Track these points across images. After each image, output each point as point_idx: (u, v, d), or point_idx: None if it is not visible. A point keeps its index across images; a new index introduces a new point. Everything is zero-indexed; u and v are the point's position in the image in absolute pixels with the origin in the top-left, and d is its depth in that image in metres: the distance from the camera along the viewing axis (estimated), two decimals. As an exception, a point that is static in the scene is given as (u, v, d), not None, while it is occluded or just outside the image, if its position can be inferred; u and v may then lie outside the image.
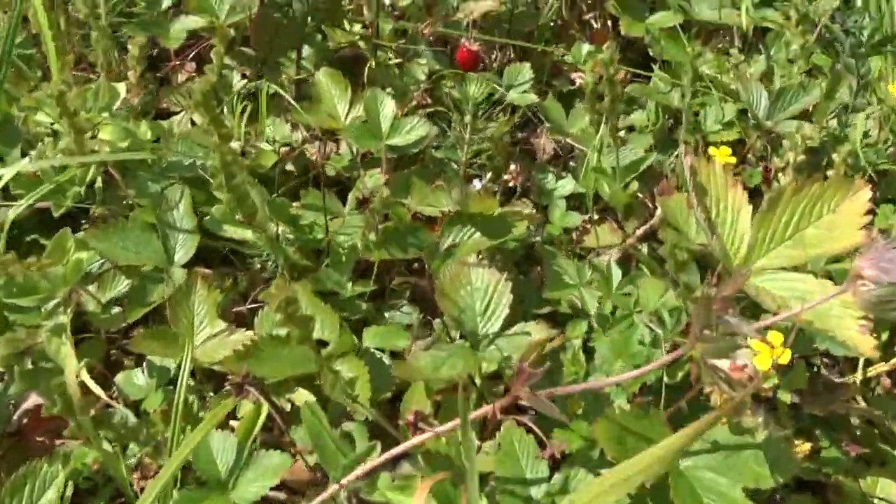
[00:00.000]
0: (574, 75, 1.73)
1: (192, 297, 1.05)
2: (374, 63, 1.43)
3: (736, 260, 0.87)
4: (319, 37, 1.49)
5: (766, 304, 0.86)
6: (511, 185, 1.30)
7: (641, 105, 1.62)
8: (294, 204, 1.23)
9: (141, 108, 1.36)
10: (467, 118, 1.29)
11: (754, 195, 1.60)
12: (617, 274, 1.10)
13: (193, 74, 1.59)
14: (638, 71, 1.62)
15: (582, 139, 1.42)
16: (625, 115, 1.64)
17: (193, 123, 1.50)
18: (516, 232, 1.12)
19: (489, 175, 1.23)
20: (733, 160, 1.28)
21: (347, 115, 1.30)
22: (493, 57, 1.75)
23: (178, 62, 1.57)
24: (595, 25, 1.87)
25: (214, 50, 1.36)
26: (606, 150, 1.35)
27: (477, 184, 1.22)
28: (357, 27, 1.63)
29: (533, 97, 1.46)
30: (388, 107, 1.24)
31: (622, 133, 1.64)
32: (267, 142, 1.39)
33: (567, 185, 1.40)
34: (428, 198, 1.15)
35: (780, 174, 1.32)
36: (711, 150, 1.29)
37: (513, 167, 1.29)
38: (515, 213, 1.14)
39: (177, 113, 1.50)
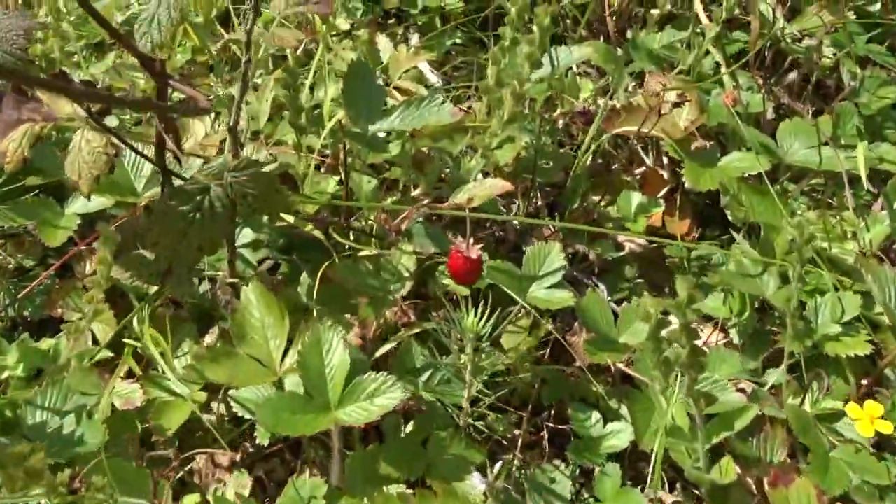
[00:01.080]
0: (622, 238, 1.29)
1: None
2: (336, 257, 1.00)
3: None
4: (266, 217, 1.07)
5: None
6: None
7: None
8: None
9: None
10: (466, 356, 0.86)
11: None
12: None
13: (104, 263, 1.18)
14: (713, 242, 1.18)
15: (639, 363, 0.97)
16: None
17: (96, 341, 1.08)
18: None
19: (499, 465, 0.78)
20: (889, 427, 0.81)
21: (284, 358, 0.86)
22: (516, 208, 1.32)
23: (82, 246, 1.16)
24: (646, 160, 1.43)
25: (99, 256, 0.96)
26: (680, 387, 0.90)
27: (477, 482, 0.77)
28: (332, 182, 1.23)
29: (566, 297, 1.02)
30: (337, 356, 0.80)
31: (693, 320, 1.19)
32: (182, 380, 0.97)
33: (621, 435, 0.95)
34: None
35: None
36: (851, 410, 0.83)
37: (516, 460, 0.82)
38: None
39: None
